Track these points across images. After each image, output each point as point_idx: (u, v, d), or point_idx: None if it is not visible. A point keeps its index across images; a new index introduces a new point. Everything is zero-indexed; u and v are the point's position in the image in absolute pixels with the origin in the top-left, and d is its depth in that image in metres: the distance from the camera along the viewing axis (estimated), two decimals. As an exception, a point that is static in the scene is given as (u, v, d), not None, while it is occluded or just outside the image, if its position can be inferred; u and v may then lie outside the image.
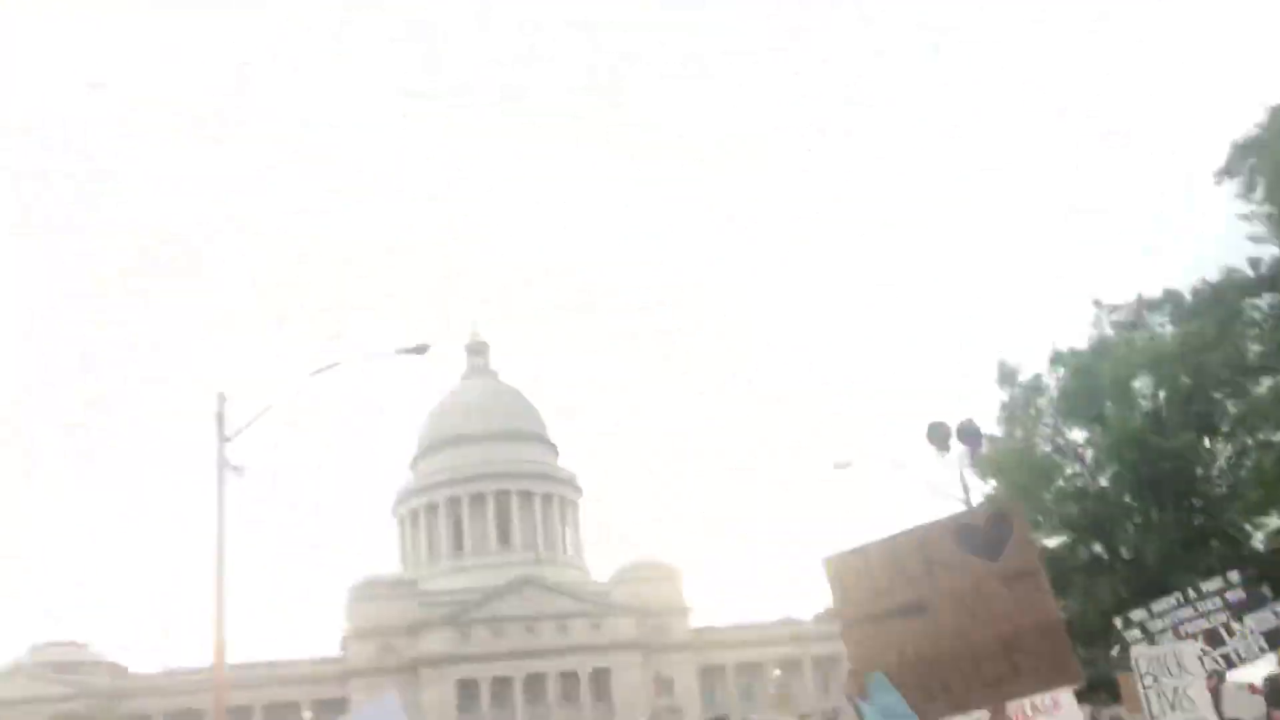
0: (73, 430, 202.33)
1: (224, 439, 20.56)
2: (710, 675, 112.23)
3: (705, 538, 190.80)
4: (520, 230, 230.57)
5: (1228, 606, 15.23)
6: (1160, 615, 15.77)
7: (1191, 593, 15.84)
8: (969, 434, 32.57)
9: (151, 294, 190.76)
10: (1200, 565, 32.69)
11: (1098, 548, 40.71)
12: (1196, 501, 38.54)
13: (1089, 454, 41.21)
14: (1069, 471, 41.88)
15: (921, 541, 5.71)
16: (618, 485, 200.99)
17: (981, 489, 40.36)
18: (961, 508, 32.41)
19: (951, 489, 33.59)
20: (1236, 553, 34.40)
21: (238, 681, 74.00)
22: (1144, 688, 9.88)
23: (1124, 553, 40.12)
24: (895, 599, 5.53)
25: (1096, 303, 41.62)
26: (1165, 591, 17.25)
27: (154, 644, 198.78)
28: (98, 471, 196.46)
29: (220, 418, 20.75)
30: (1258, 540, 37.61)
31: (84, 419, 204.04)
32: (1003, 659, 5.46)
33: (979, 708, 9.29)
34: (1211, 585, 15.74)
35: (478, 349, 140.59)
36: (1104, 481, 40.77)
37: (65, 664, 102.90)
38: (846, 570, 5.74)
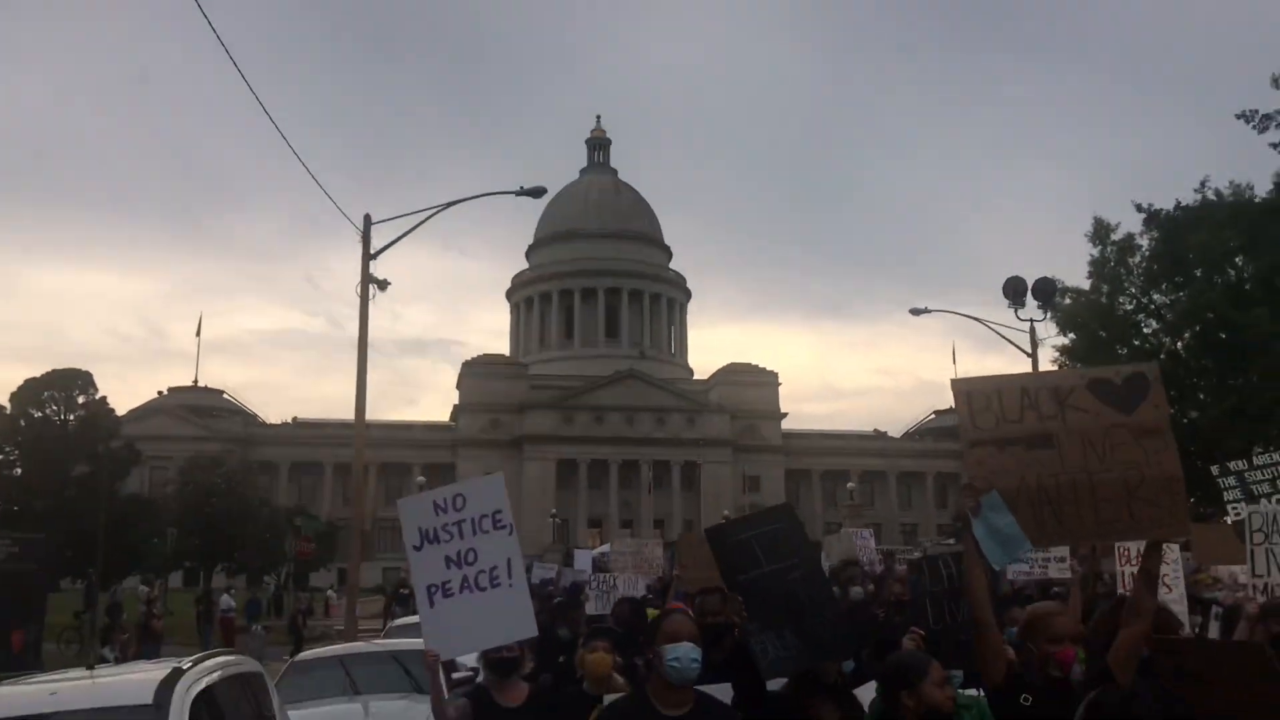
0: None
1: (368, 256, 23.97)
2: (796, 479, 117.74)
3: (803, 348, 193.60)
4: (648, 29, 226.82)
5: None
6: (1260, 468, 14.84)
7: None
8: (1044, 291, 34.44)
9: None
10: (1260, 436, 34.11)
11: (1166, 408, 41.72)
12: (1258, 378, 38.90)
13: (1170, 316, 41.93)
14: (1147, 330, 42.97)
15: (1056, 383, 6.08)
16: (725, 290, 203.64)
17: (1054, 343, 41.98)
18: (1026, 360, 34.67)
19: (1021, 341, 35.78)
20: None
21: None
22: (1253, 545, 9.28)
23: (1192, 415, 41.04)
24: (1024, 429, 5.80)
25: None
26: (1227, 458, 17.60)
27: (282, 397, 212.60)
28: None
29: (366, 239, 24.11)
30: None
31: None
32: (1122, 504, 5.66)
33: (1088, 543, 10.41)
34: None
35: (599, 144, 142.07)
36: (1180, 345, 41.81)
37: (201, 408, 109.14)
38: (976, 394, 5.97)
